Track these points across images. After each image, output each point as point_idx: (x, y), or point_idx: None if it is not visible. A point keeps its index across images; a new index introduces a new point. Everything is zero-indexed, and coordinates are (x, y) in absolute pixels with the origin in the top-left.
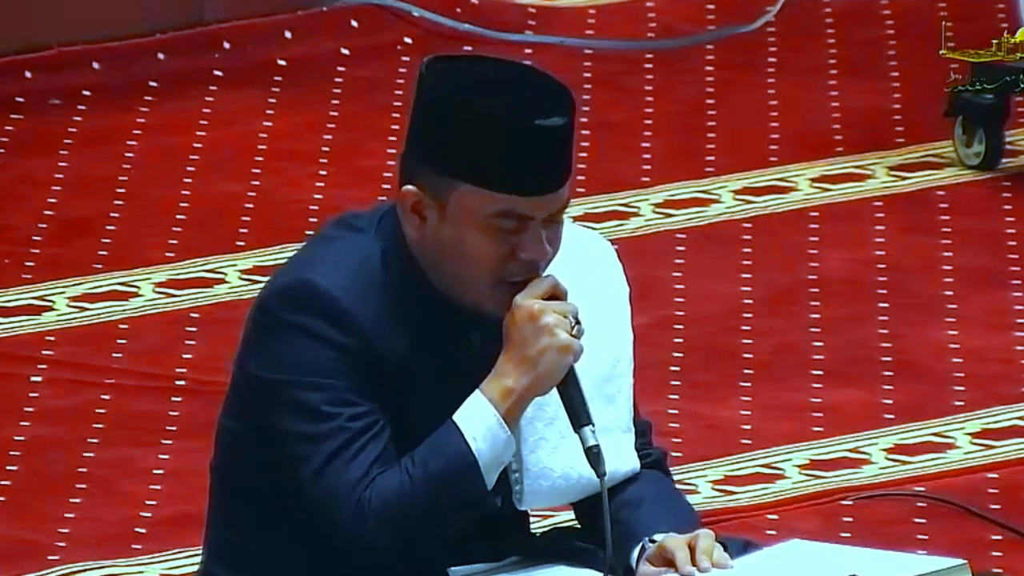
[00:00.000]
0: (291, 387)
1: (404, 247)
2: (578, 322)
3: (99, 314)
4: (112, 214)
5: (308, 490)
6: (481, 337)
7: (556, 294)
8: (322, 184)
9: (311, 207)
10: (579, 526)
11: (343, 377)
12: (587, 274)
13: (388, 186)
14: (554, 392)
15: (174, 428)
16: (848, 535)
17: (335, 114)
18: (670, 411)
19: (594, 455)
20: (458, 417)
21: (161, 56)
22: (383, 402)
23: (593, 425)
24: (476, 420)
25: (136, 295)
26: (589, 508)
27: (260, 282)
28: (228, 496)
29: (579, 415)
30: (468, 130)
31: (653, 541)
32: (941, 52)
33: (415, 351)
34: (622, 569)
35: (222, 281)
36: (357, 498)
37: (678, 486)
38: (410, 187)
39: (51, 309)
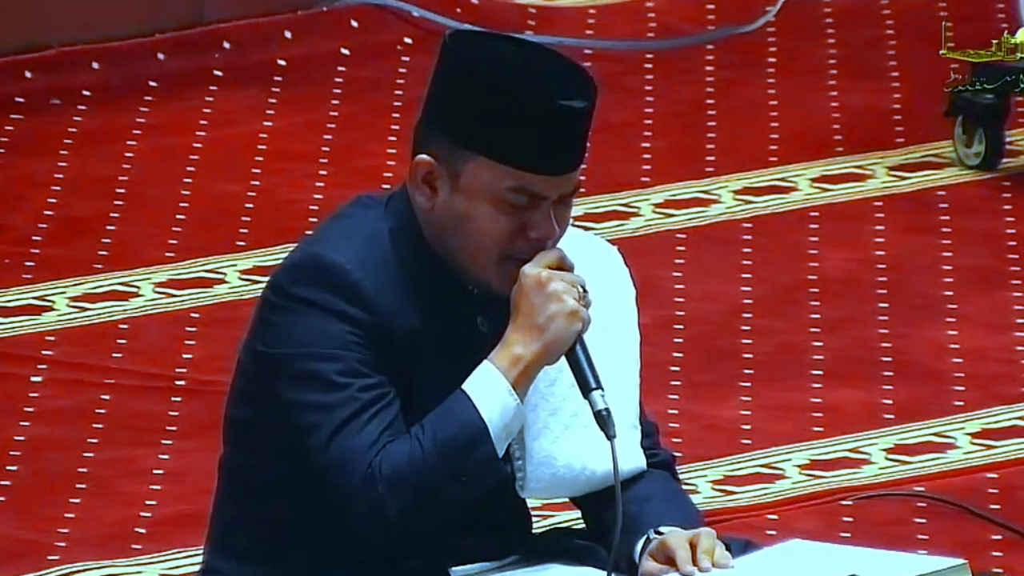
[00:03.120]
0: (302, 359)
1: (413, 225)
2: (586, 292)
3: (99, 314)
4: (112, 214)
5: (318, 458)
6: (487, 322)
7: (563, 266)
8: (322, 184)
9: (311, 207)
10: (579, 526)
11: (354, 349)
12: (595, 276)
13: (388, 186)
14: (558, 383)
15: (174, 428)
16: (848, 535)
17: (335, 114)
18: (670, 411)
19: (603, 419)
20: (467, 385)
21: (161, 56)
22: (390, 376)
23: (603, 389)
24: (485, 388)
25: (136, 295)
26: (594, 503)
27: (260, 282)
28: (236, 488)
29: (588, 380)
30: (490, 103)
31: (659, 533)
32: (941, 52)
33: (422, 328)
34: (625, 561)
35: (222, 281)
36: (367, 464)
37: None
38: (424, 156)
39: (51, 309)
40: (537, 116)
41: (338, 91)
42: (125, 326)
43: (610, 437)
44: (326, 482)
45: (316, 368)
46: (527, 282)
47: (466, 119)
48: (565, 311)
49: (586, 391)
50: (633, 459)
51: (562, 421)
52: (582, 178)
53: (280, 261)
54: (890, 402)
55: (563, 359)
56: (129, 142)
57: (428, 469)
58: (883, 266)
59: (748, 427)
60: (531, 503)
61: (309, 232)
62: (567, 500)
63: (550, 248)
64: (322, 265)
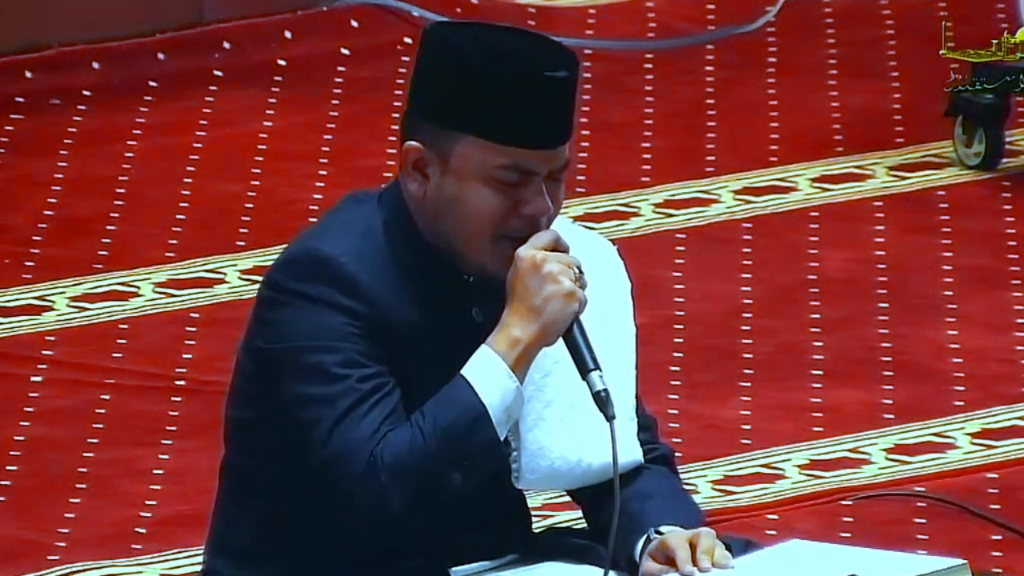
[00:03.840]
0: (300, 353)
1: (407, 217)
2: (582, 273)
3: (99, 314)
4: (112, 214)
5: (320, 452)
6: (483, 313)
7: (558, 247)
8: (322, 184)
9: (311, 207)
10: (579, 526)
11: (351, 340)
12: (590, 269)
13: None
14: (552, 375)
15: (174, 428)
16: (848, 535)
17: (335, 114)
18: (670, 411)
19: (602, 399)
20: (466, 370)
21: (161, 56)
22: (388, 368)
23: (600, 370)
24: (484, 372)
25: (136, 295)
26: (594, 500)
27: (260, 282)
28: (236, 489)
29: (586, 361)
30: (474, 81)
31: (659, 532)
32: (941, 52)
33: (418, 319)
34: (626, 561)
35: (222, 281)
36: (369, 453)
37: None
38: (413, 143)
39: (51, 309)
40: (522, 90)
41: (338, 91)
42: (125, 326)
43: (609, 418)
44: (328, 475)
45: (316, 360)
46: (522, 264)
47: (451, 100)
48: (561, 292)
49: (584, 372)
50: (630, 452)
51: (558, 413)
52: (581, 177)
53: (275, 258)
54: (890, 402)
55: (561, 342)
56: (129, 142)
57: (430, 456)
58: (883, 266)
59: (748, 427)
60: (531, 501)
61: (305, 229)
62: (568, 500)
63: (544, 228)
64: (317, 259)
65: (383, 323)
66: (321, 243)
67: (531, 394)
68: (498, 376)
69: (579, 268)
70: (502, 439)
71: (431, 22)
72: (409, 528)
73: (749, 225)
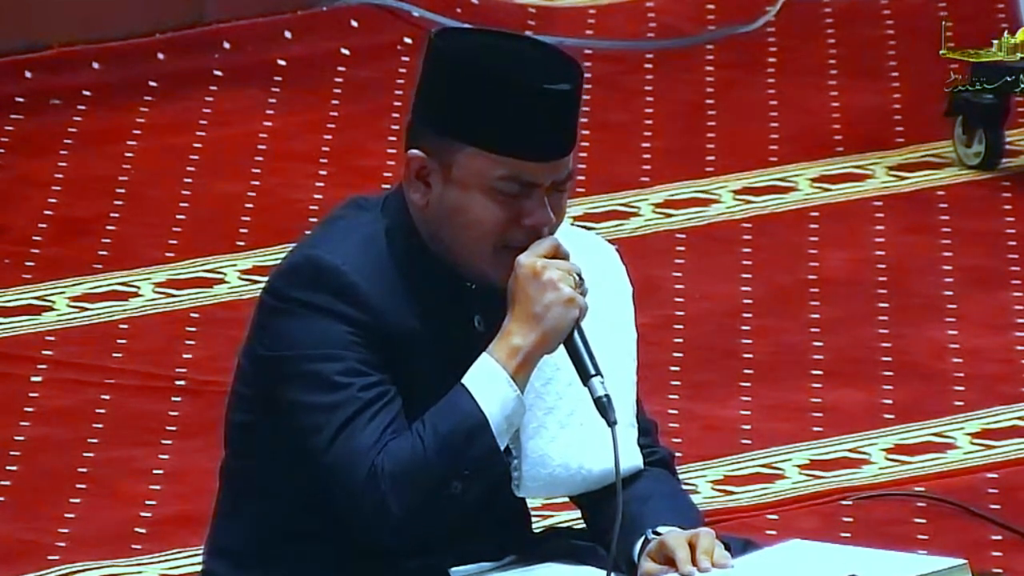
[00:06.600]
0: (302, 361)
1: (409, 225)
2: (582, 279)
3: (99, 314)
4: (112, 214)
5: (321, 459)
6: (484, 321)
7: (558, 254)
8: (322, 184)
9: (311, 207)
10: (579, 527)
11: (353, 349)
12: (592, 274)
13: (388, 186)
14: (553, 382)
15: (174, 428)
16: (848, 535)
17: (335, 114)
18: (670, 411)
19: (603, 405)
20: (467, 379)
21: (161, 56)
22: (390, 375)
23: (602, 376)
24: (485, 380)
25: (136, 295)
26: (593, 502)
27: (260, 282)
28: (235, 492)
29: (587, 367)
30: (477, 92)
31: (657, 533)
32: (941, 52)
33: (419, 327)
34: (624, 562)
35: (222, 281)
36: (370, 462)
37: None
38: (416, 152)
39: (51, 309)
40: (523, 101)
41: (338, 91)
42: (125, 326)
43: (611, 424)
44: (330, 483)
45: (317, 369)
46: (522, 272)
47: (454, 110)
48: (562, 299)
49: (585, 378)
50: (630, 458)
51: (558, 420)
52: (581, 177)
53: (277, 264)
54: (890, 402)
55: (562, 349)
56: (129, 142)
57: (430, 464)
58: (883, 266)
59: (748, 427)
60: (531, 502)
61: (307, 233)
62: (567, 500)
63: (546, 237)
64: (319, 267)
65: (384, 331)
66: (323, 251)
67: (532, 401)
68: (499, 385)
69: (579, 275)
70: (503, 448)
71: (438, 28)
72: (410, 535)
73: (749, 225)
